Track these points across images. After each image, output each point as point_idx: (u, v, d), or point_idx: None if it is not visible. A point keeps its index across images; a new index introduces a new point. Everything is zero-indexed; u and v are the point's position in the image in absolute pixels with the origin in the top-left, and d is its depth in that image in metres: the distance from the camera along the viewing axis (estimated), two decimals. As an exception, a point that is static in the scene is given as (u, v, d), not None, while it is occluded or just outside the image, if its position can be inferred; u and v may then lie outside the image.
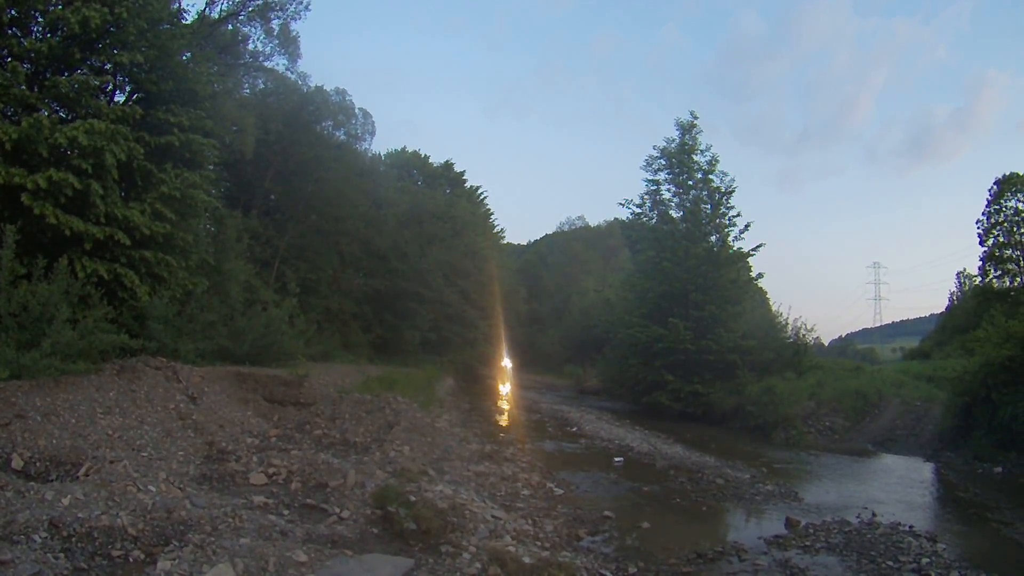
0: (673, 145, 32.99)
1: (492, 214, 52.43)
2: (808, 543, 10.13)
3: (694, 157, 32.46)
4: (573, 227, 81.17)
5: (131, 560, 6.46)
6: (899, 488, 15.31)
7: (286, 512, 8.74)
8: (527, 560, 7.78)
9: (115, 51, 13.44)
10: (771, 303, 36.61)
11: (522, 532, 9.38)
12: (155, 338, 14.06)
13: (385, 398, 17.35)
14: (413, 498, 8.98)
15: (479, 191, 50.14)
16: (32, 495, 7.00)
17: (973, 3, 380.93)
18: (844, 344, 68.86)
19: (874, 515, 12.00)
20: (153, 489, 8.12)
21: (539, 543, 9.11)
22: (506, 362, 53.75)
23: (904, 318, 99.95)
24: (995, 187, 37.78)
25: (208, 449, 11.32)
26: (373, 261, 35.20)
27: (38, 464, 8.65)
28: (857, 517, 11.85)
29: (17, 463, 8.38)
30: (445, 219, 40.35)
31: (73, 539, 6.50)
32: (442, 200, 41.67)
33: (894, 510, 12.66)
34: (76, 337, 10.87)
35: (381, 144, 49.21)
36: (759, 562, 9.14)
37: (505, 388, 43.03)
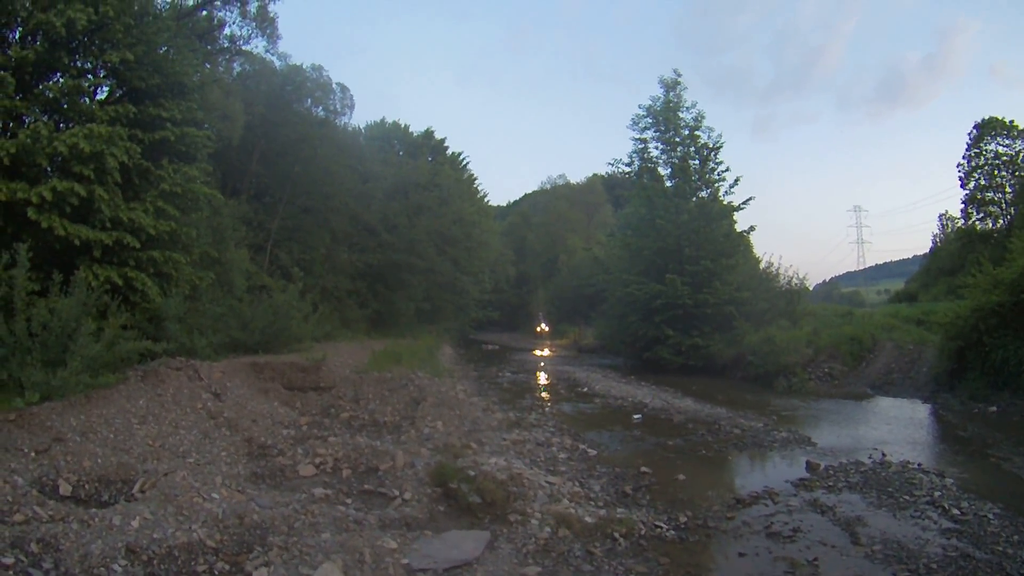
0: (658, 103, 33.03)
1: (476, 179, 51.91)
2: (831, 483, 10.85)
3: (680, 114, 32.55)
4: (555, 185, 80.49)
5: (216, 572, 6.33)
6: (902, 429, 16.07)
7: (349, 501, 8.84)
8: (589, 520, 8.26)
9: (103, 51, 12.97)
10: (755, 253, 36.55)
11: (575, 494, 9.76)
12: (172, 338, 13.92)
13: (407, 375, 17.41)
14: (472, 473, 9.22)
15: (461, 157, 49.60)
16: (98, 522, 6.70)
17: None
18: (828, 288, 69.41)
19: (884, 455, 12.70)
20: (216, 496, 7.97)
21: (593, 503, 9.53)
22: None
23: (887, 260, 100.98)
24: (975, 131, 38.43)
25: (248, 446, 11.26)
26: (363, 236, 34.90)
27: (87, 487, 8.30)
28: (869, 458, 12.58)
29: (65, 489, 7.98)
30: (431, 188, 39.93)
31: (155, 562, 6.30)
32: (426, 169, 41.12)
33: (901, 450, 13.34)
34: (102, 349, 10.66)
35: (359, 118, 48.48)
36: (791, 503, 9.80)
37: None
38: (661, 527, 8.54)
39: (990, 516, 9.03)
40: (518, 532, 7.93)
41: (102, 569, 5.98)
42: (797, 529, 8.58)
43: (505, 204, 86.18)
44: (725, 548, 8.10)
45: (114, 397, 10.93)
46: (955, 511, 9.23)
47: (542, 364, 35.10)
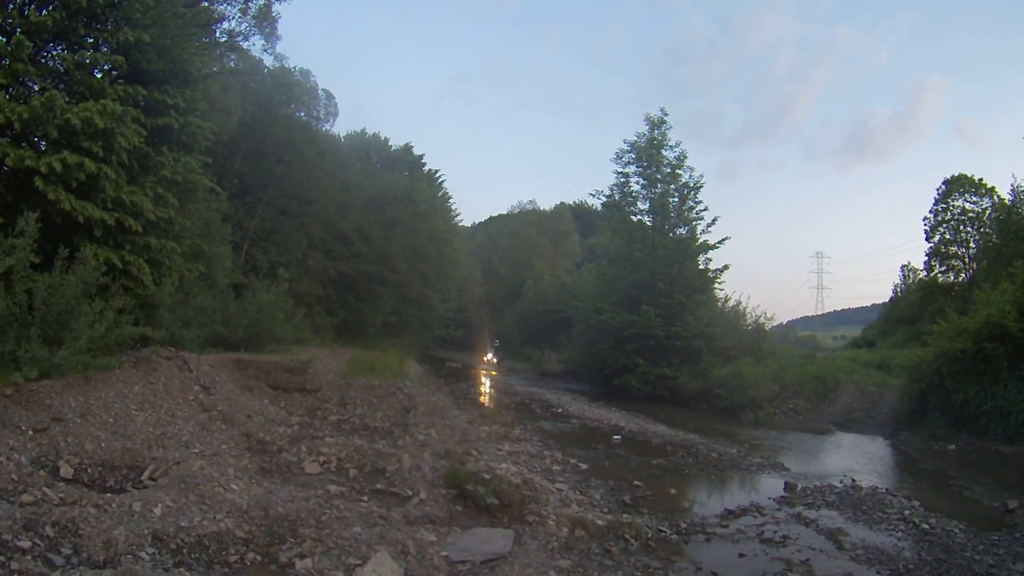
0: (643, 140, 33.54)
1: (450, 198, 51.74)
2: (809, 501, 11.79)
3: (663, 152, 33.10)
4: (523, 210, 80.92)
5: (248, 563, 6.16)
6: (868, 461, 16.93)
7: (365, 498, 8.76)
8: (600, 523, 8.73)
9: (119, 28, 12.63)
10: (716, 292, 36.89)
11: (581, 500, 10.17)
12: (163, 327, 13.49)
13: (394, 383, 17.20)
14: (487, 476, 9.32)
15: (438, 175, 49.42)
16: (116, 508, 6.42)
17: (916, 13, 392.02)
18: (786, 331, 70.20)
19: (854, 481, 13.52)
20: (235, 488, 7.73)
21: (598, 509, 9.97)
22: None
23: (845, 307, 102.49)
24: (943, 187, 39.53)
25: (247, 441, 10.98)
26: (338, 244, 34.55)
27: (90, 470, 7.96)
28: (840, 482, 13.41)
29: (66, 471, 7.63)
30: (407, 203, 39.80)
31: (184, 550, 6.08)
32: (404, 183, 41.02)
33: (869, 478, 14.18)
34: (103, 331, 10.29)
35: (339, 127, 48.02)
36: (777, 516, 10.74)
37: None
38: (665, 531, 9.27)
39: (956, 531, 10.06)
40: (539, 531, 8.19)
41: (129, 556, 5.70)
42: (787, 536, 9.44)
43: (471, 225, 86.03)
44: (726, 550, 8.88)
45: (111, 381, 10.64)
46: (925, 526, 10.26)
47: (509, 385, 34.97)
